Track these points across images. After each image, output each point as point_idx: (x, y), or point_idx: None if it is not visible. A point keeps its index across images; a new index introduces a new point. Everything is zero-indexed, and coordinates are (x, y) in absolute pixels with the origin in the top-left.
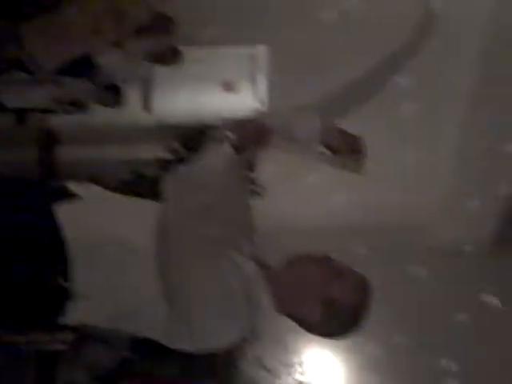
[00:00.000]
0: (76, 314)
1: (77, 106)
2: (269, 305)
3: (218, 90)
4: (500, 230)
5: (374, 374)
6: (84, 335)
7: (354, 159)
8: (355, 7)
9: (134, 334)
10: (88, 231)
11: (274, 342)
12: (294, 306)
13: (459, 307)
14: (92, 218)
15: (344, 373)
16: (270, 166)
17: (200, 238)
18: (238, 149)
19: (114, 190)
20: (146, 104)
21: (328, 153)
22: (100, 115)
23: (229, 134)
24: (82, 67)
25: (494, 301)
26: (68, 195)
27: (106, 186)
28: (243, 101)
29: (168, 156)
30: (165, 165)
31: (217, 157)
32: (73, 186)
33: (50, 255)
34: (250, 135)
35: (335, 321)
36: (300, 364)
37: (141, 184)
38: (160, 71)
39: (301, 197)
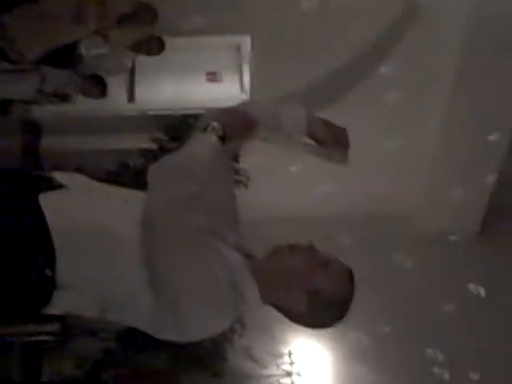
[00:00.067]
0: (62, 303)
1: (60, 97)
2: (254, 295)
3: (203, 80)
4: (485, 219)
5: (361, 363)
6: (71, 326)
7: (339, 150)
8: None
9: (119, 323)
10: (73, 221)
11: (261, 332)
12: (279, 297)
13: (445, 297)
14: (77, 208)
15: (331, 362)
16: (255, 157)
17: (185, 228)
18: (223, 138)
19: (99, 180)
20: (130, 94)
21: (313, 143)
22: (84, 106)
23: (214, 123)
24: (65, 57)
25: (480, 290)
26: (53, 185)
27: (91, 176)
28: (227, 90)
29: (152, 146)
30: (149, 154)
31: (202, 146)
32: (58, 176)
33: (36, 245)
34: (236, 125)
35: (320, 312)
36: (287, 354)
37: (125, 174)
38: (143, 61)
39: (286, 187)
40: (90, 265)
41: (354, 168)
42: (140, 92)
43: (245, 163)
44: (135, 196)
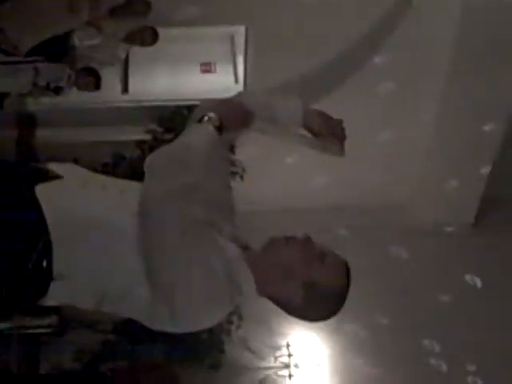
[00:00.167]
0: (58, 294)
1: (54, 90)
2: (251, 287)
3: (197, 71)
4: (480, 210)
5: (358, 355)
6: (68, 319)
7: (335, 142)
8: None
9: (116, 314)
10: (69, 212)
11: (258, 324)
12: (275, 289)
13: (441, 288)
14: (73, 199)
15: (328, 354)
16: (251, 148)
17: (182, 219)
18: (219, 129)
19: (95, 171)
20: (124, 85)
21: (309, 136)
22: (78, 98)
23: (211, 114)
24: (58, 50)
25: (476, 281)
26: (49, 177)
27: (87, 168)
28: (222, 81)
29: (146, 137)
30: (144, 146)
31: (199, 136)
32: (54, 167)
33: (32, 236)
34: (232, 116)
35: (316, 304)
36: (285, 346)
37: (121, 165)
38: (137, 52)
39: (281, 178)
40: (87, 256)
41: (350, 160)
42: (134, 83)
43: (240, 154)
44: (131, 187)
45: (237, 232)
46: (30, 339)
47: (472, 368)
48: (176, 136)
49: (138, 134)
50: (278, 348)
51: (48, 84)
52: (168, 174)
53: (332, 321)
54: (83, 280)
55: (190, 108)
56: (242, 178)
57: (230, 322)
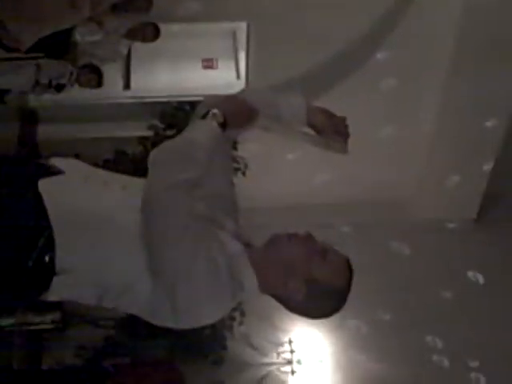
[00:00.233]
0: (60, 289)
1: (56, 87)
2: (253, 284)
3: (199, 67)
4: (482, 206)
5: (361, 351)
6: (70, 315)
7: (338, 140)
8: None
9: (118, 309)
10: (72, 207)
11: (261, 320)
12: (277, 286)
13: (444, 284)
14: (76, 194)
15: (331, 350)
16: (253, 144)
17: (185, 214)
18: (223, 126)
19: (97, 167)
20: (126, 81)
21: (312, 133)
22: (80, 94)
23: (215, 110)
24: (60, 47)
25: (478, 277)
26: (52, 172)
27: (89, 164)
28: (223, 77)
29: (148, 133)
30: (146, 142)
31: (203, 132)
32: (56, 162)
33: (35, 231)
34: (236, 113)
35: (318, 301)
36: (288, 342)
37: (122, 162)
38: (139, 48)
39: (283, 175)
40: (89, 251)
41: (352, 156)
42: (136, 79)
43: (243, 151)
44: (133, 183)
45: (239, 229)
46: (33, 335)
47: (474, 364)
48: (178, 132)
49: (140, 130)
50: (281, 344)
51: (50, 81)
52: (171, 169)
53: (334, 317)
54: (85, 275)
55: (192, 104)
56: (244, 174)
57: (232, 319)
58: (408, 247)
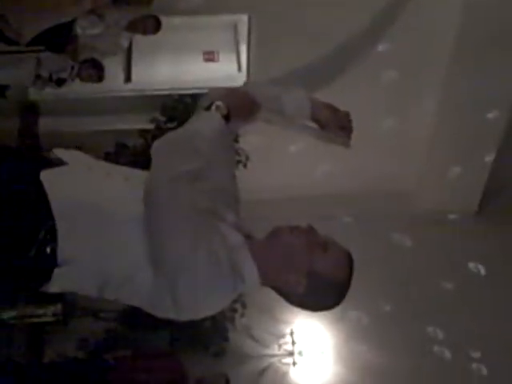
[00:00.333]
0: (62, 280)
1: (57, 82)
2: (253, 276)
3: (200, 60)
4: (484, 197)
5: (362, 342)
6: (72, 308)
7: (342, 135)
8: None
9: (119, 301)
10: (74, 198)
11: (262, 312)
12: (277, 278)
13: (445, 275)
14: (78, 185)
15: (332, 342)
16: (254, 136)
17: (186, 206)
18: (227, 118)
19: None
20: (127, 74)
21: (316, 128)
22: (81, 87)
23: (218, 102)
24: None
25: (479, 268)
26: (54, 163)
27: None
28: (225, 70)
29: (150, 126)
30: (147, 135)
31: (206, 124)
32: (59, 153)
33: (37, 222)
34: (240, 105)
35: (318, 294)
36: (289, 334)
37: (123, 154)
38: (140, 41)
39: (285, 167)
40: (91, 241)
41: (354, 148)
42: (137, 72)
43: (244, 143)
44: (135, 175)
45: (240, 221)
46: (34, 328)
47: (476, 355)
48: (179, 125)
49: (141, 123)
50: (282, 336)
51: (50, 75)
52: (174, 159)
53: (335, 309)
54: (86, 266)
55: (194, 97)
56: (245, 166)
57: (233, 310)
58: (409, 239)
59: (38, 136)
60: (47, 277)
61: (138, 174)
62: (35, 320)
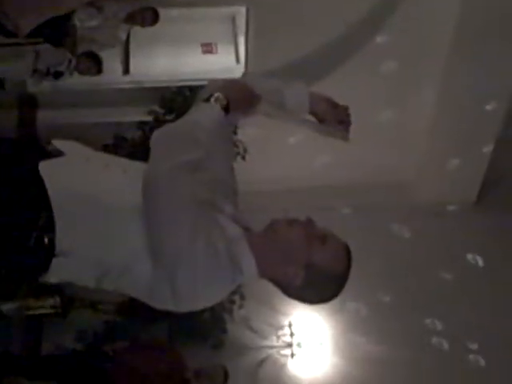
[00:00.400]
0: (60, 271)
1: (54, 75)
2: (251, 268)
3: (198, 52)
4: (482, 188)
5: (360, 333)
6: (70, 299)
7: (340, 128)
8: None
9: (117, 291)
10: (72, 189)
11: (260, 303)
12: (275, 270)
13: (444, 266)
14: (76, 176)
15: (331, 333)
16: (253, 128)
17: (186, 196)
18: (226, 109)
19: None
20: (125, 66)
21: (314, 121)
22: (79, 79)
23: (218, 94)
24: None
25: (478, 260)
26: (53, 154)
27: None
28: (223, 62)
29: (148, 118)
30: (145, 127)
31: (206, 115)
32: (58, 144)
33: (35, 212)
34: (239, 97)
35: (316, 286)
36: (288, 325)
37: (122, 147)
38: (138, 33)
39: (283, 158)
40: (89, 232)
41: (353, 139)
42: (135, 64)
43: (242, 135)
44: (134, 166)
45: (238, 212)
46: (33, 320)
47: (474, 346)
48: (178, 117)
49: (140, 115)
50: (281, 327)
51: (48, 68)
52: (173, 150)
53: (334, 300)
54: (85, 256)
55: (192, 89)
56: (243, 158)
57: (232, 302)
58: (408, 230)
59: (36, 127)
60: (45, 267)
61: (137, 166)
62: (33, 312)
